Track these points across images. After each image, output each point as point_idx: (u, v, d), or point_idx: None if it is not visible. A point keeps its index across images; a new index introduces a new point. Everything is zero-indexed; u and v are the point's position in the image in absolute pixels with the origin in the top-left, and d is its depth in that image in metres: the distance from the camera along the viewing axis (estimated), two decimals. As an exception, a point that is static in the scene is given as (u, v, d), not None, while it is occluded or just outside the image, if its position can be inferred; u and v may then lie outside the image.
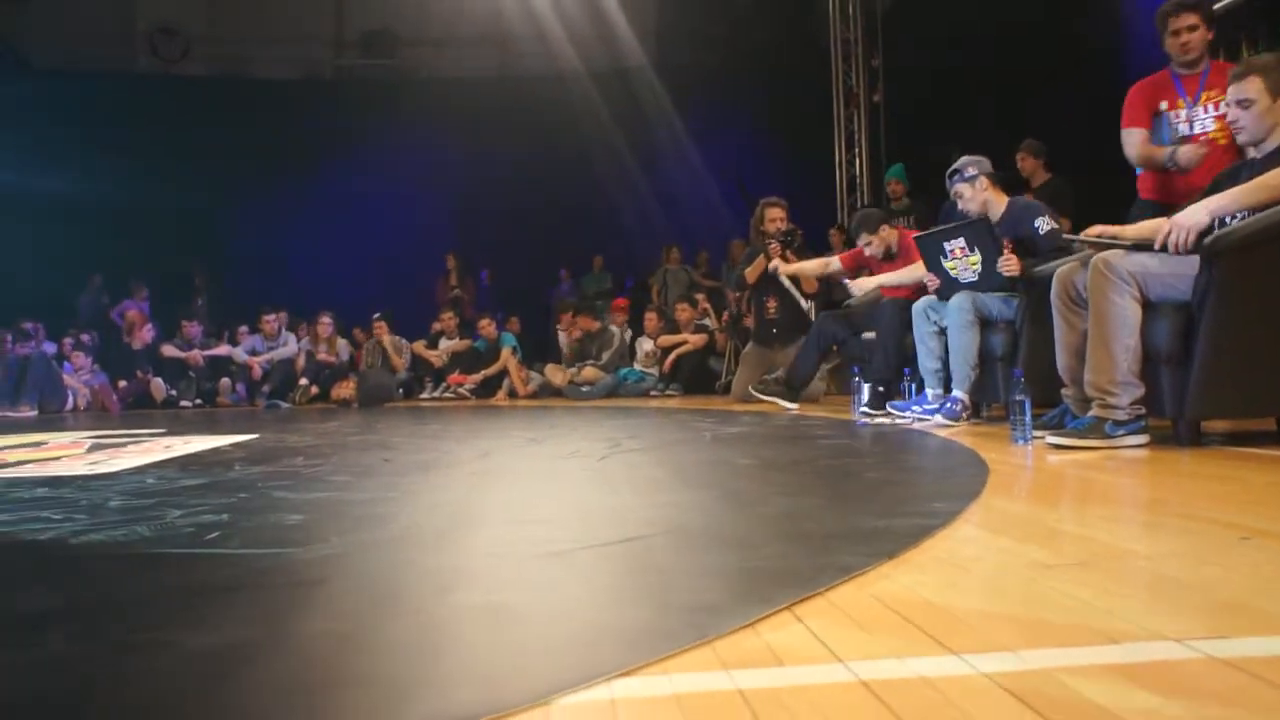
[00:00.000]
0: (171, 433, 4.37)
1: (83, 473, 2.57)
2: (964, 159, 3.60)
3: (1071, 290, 2.66)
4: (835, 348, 4.99)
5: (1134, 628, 0.89)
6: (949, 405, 3.46)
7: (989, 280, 3.41)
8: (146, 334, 8.39)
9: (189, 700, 0.78)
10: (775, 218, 5.54)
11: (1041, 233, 3.41)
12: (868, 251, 4.62)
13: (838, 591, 1.05)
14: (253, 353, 8.29)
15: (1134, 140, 3.39)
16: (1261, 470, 2.08)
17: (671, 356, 7.47)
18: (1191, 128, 3.29)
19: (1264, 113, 2.50)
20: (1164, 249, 2.42)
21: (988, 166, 3.59)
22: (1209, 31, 3.28)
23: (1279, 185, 2.32)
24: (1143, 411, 2.48)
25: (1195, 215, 2.38)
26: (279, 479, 2.26)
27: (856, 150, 8.66)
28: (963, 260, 3.50)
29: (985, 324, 3.46)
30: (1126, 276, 2.43)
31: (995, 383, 3.47)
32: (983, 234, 3.41)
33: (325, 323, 8.32)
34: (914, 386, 3.74)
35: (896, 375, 3.93)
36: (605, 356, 7.63)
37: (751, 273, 5.59)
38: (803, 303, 5.55)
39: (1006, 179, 3.92)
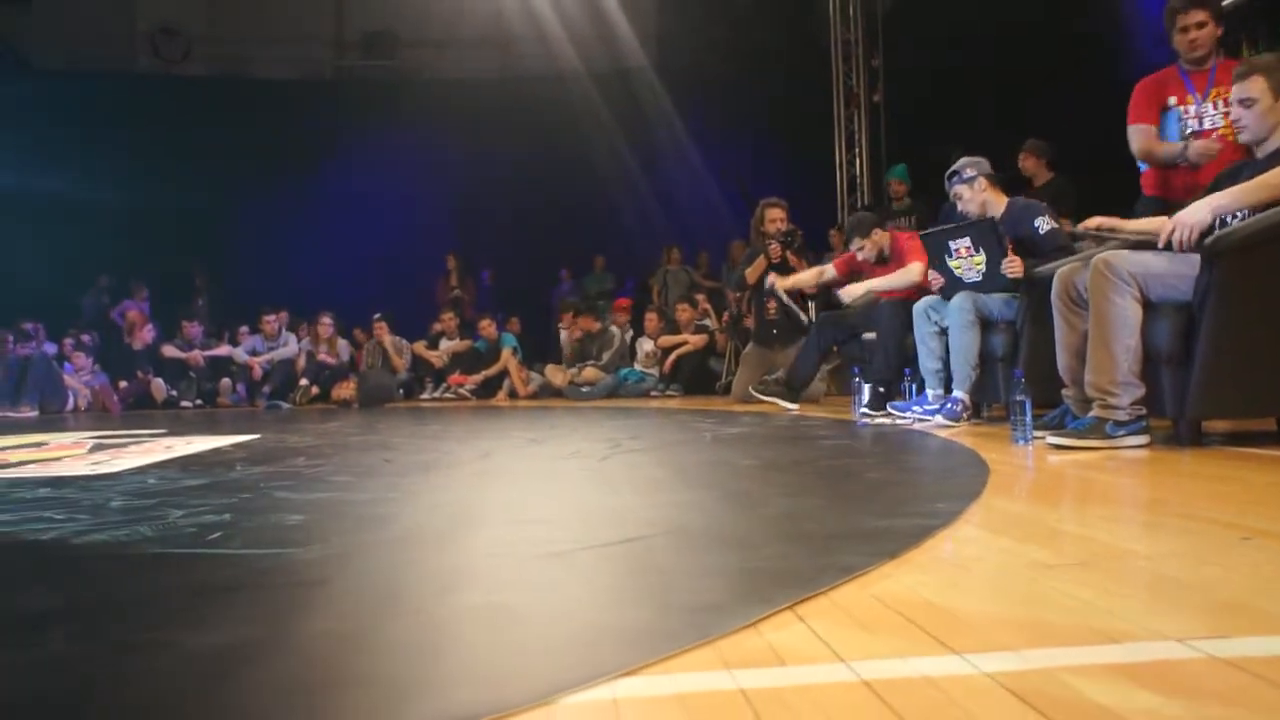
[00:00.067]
0: (172, 433, 4.37)
1: (85, 473, 2.58)
2: (962, 160, 3.60)
3: (1072, 290, 2.66)
4: (835, 348, 4.99)
5: (1135, 627, 0.89)
6: (949, 406, 3.46)
7: (993, 281, 3.40)
8: (147, 334, 8.39)
9: (189, 700, 0.78)
10: (775, 218, 5.54)
11: (1042, 232, 3.41)
12: (860, 256, 4.62)
13: (840, 591, 1.06)
14: (253, 353, 8.29)
15: (1141, 136, 3.36)
16: (1262, 470, 2.08)
17: (672, 357, 7.47)
18: (1201, 124, 3.26)
19: (1266, 112, 2.50)
20: (1168, 247, 2.43)
21: (986, 167, 3.59)
22: (1218, 28, 3.25)
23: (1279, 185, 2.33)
24: (1143, 412, 2.48)
25: (1198, 213, 2.38)
26: (280, 479, 2.26)
27: (857, 150, 8.66)
28: (967, 260, 3.49)
29: (986, 324, 3.46)
30: (1127, 277, 2.43)
31: (996, 383, 3.47)
32: (988, 235, 3.41)
33: (326, 323, 8.32)
34: (914, 387, 3.74)
35: (897, 376, 3.93)
36: (606, 357, 7.63)
37: (752, 273, 5.58)
38: (801, 316, 5.54)
39: (1007, 179, 3.91)
